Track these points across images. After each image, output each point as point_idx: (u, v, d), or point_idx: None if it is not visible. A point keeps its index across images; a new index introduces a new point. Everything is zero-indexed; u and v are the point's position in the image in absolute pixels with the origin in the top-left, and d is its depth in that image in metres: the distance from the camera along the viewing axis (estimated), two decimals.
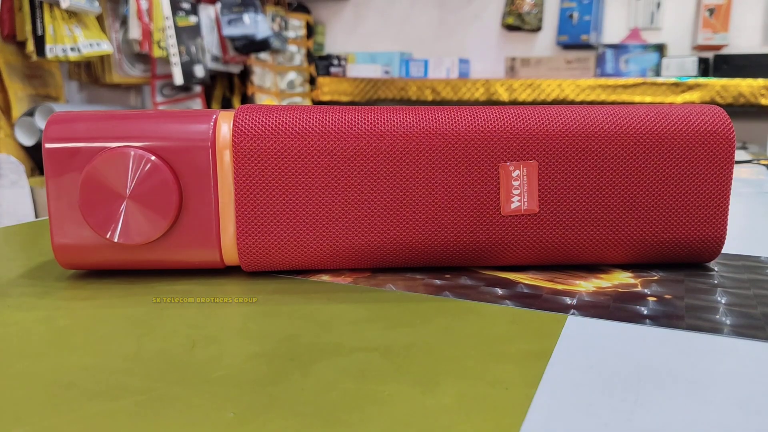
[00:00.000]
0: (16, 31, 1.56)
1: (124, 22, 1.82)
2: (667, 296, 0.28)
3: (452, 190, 0.29)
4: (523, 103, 2.08)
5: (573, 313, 0.25)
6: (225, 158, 0.29)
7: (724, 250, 0.36)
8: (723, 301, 0.27)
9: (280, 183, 0.29)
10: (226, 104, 2.28)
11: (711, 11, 1.98)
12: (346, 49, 2.52)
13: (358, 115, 0.30)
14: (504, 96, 2.10)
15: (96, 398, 0.18)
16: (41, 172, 1.66)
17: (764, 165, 0.86)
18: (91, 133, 0.29)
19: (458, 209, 0.30)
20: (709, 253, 0.32)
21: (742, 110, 1.94)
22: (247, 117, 0.29)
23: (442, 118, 0.30)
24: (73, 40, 1.53)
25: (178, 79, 1.82)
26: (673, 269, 0.32)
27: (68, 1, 1.46)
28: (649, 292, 0.28)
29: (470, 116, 0.30)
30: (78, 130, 0.29)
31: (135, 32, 1.75)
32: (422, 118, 0.30)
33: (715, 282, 0.30)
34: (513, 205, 0.30)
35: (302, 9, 2.44)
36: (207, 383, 0.19)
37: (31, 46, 1.51)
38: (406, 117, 0.30)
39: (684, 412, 0.18)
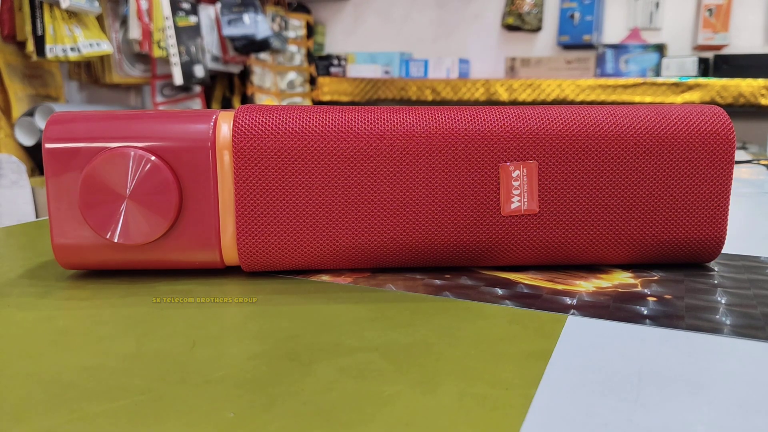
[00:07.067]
0: (16, 31, 1.56)
1: (124, 22, 1.82)
2: (667, 296, 0.28)
3: (452, 190, 0.29)
4: (523, 103, 2.08)
5: (573, 313, 0.25)
6: (225, 158, 0.29)
7: (724, 250, 0.36)
8: (723, 301, 0.27)
9: (280, 183, 0.29)
10: (226, 104, 2.28)
11: (711, 11, 1.98)
12: (346, 49, 2.52)
13: (358, 116, 0.30)
14: (504, 96, 2.10)
15: (96, 398, 0.18)
16: (41, 172, 1.66)
17: (764, 165, 0.86)
18: (91, 133, 0.29)
19: (458, 209, 0.30)
20: (709, 253, 0.32)
21: (742, 110, 1.94)
22: (247, 117, 0.29)
23: (442, 119, 0.30)
24: (73, 40, 1.53)
25: (178, 79, 1.82)
26: (673, 269, 0.32)
27: (68, 1, 1.46)
28: (649, 292, 0.28)
29: (470, 116, 0.30)
30: (78, 130, 0.29)
31: (135, 32, 1.75)
32: (422, 119, 0.30)
33: (715, 282, 0.30)
34: (513, 206, 0.30)
35: (302, 9, 2.43)
36: (207, 383, 0.19)
37: (31, 46, 1.51)
38: (406, 117, 0.30)
39: (684, 412, 0.18)
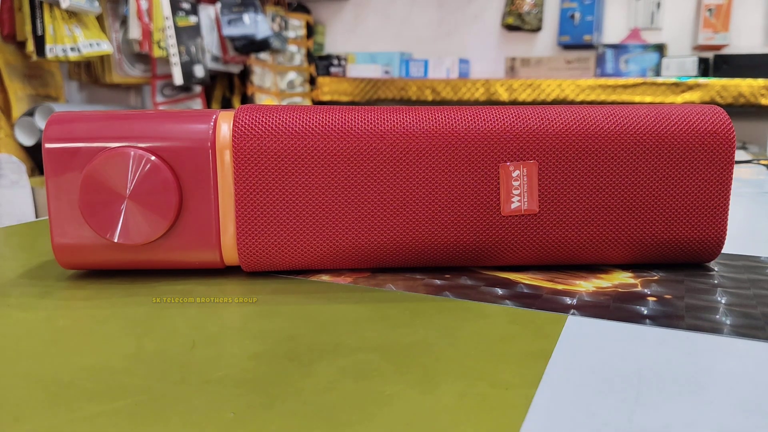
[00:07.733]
0: (16, 31, 1.56)
1: (124, 22, 1.82)
2: (667, 296, 0.28)
3: (452, 190, 0.29)
4: (523, 103, 2.08)
5: (573, 313, 0.25)
6: (225, 158, 0.29)
7: (724, 250, 0.36)
8: (723, 301, 0.27)
9: (280, 183, 0.29)
10: (226, 104, 2.28)
11: (711, 11, 1.98)
12: (346, 49, 2.52)
13: (358, 116, 0.30)
14: (504, 96, 2.10)
15: (96, 398, 0.18)
16: (41, 172, 1.66)
17: (764, 165, 0.86)
18: (91, 133, 0.29)
19: (458, 209, 0.30)
20: (709, 253, 0.32)
21: (742, 110, 1.94)
22: (247, 117, 0.29)
23: (442, 118, 0.30)
24: (73, 40, 1.53)
25: (178, 79, 1.82)
26: (673, 269, 0.32)
27: (68, 1, 1.46)
28: (649, 292, 0.28)
29: (470, 116, 0.30)
30: (78, 130, 0.29)
31: (135, 32, 1.75)
32: (422, 118, 0.30)
33: (715, 282, 0.30)
34: (513, 205, 0.30)
35: (302, 9, 2.43)
36: (207, 383, 0.19)
37: (31, 46, 1.51)
38: (406, 117, 0.30)
39: (684, 412, 0.18)
